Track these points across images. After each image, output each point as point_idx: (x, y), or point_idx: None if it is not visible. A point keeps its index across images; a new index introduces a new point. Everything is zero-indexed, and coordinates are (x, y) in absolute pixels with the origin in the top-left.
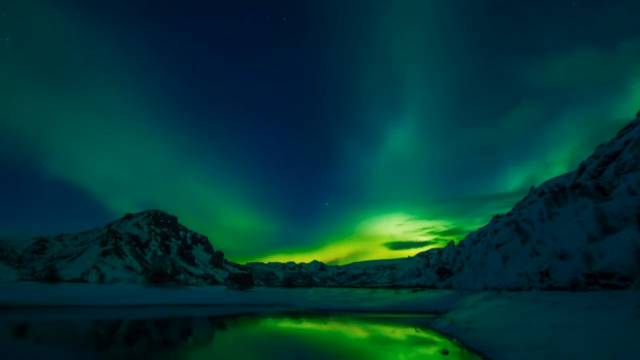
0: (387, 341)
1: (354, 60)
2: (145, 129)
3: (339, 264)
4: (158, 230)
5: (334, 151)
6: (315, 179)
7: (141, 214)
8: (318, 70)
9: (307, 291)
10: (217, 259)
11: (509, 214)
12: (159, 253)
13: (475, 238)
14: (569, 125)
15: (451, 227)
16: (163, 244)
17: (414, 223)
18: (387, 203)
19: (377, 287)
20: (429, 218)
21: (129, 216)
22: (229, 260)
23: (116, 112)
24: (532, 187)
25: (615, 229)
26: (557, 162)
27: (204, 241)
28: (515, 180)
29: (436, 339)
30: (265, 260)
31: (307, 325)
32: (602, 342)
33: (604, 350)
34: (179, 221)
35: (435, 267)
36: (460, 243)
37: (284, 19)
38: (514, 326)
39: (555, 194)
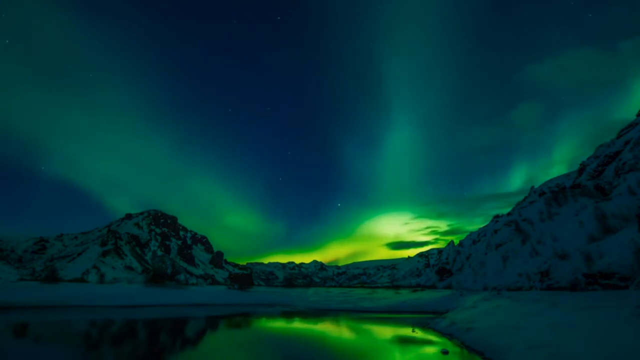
0: (388, 341)
1: (354, 60)
2: (145, 129)
3: (339, 264)
4: (158, 230)
5: (334, 151)
6: (316, 178)
7: (141, 214)
8: (318, 69)
9: (307, 291)
10: (217, 259)
11: (509, 214)
12: (159, 253)
13: (475, 238)
14: (569, 125)
15: (451, 227)
16: (163, 244)
17: (414, 223)
18: (387, 203)
19: (377, 287)
20: (429, 218)
21: (129, 216)
22: (229, 260)
23: (116, 112)
24: (532, 187)
25: (615, 229)
26: (557, 162)
27: (204, 241)
28: (515, 180)
29: (436, 339)
30: (265, 260)
31: (307, 326)
32: (602, 342)
33: (603, 350)
34: (179, 221)
35: (435, 267)
36: (460, 243)
37: (285, 18)
38: (514, 326)
39: (555, 194)
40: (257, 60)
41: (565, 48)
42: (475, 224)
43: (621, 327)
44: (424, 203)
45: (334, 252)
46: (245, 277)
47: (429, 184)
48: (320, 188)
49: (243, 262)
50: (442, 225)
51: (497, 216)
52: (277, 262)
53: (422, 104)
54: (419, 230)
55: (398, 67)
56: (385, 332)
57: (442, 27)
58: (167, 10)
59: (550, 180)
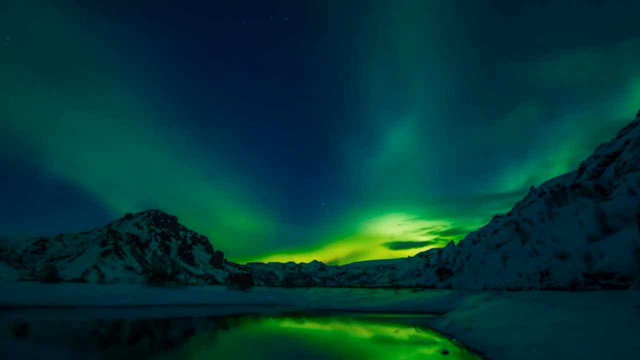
0: (388, 341)
1: (354, 61)
2: (145, 129)
3: (339, 264)
4: (158, 230)
5: (334, 151)
6: (316, 178)
7: (141, 214)
8: (319, 70)
9: (307, 291)
10: (217, 259)
11: (509, 214)
12: (159, 253)
13: (475, 238)
14: (569, 125)
15: (451, 227)
16: (163, 244)
17: (414, 223)
18: (387, 203)
19: (377, 287)
20: (429, 218)
21: (129, 216)
22: (229, 260)
23: (116, 112)
24: (532, 187)
25: (615, 229)
26: (557, 162)
27: (204, 241)
28: (515, 180)
29: (436, 339)
30: (265, 260)
31: (307, 326)
32: (602, 342)
33: (604, 350)
34: (179, 221)
35: (435, 267)
36: (460, 243)
37: (286, 19)
38: (514, 326)
39: (555, 194)
40: (258, 60)
41: (565, 48)
42: (475, 224)
43: (621, 327)
44: (424, 203)
45: (334, 252)
46: (245, 277)
47: (429, 184)
48: (320, 188)
49: (243, 262)
50: (442, 225)
51: (497, 216)
52: (277, 262)
53: (422, 103)
54: (419, 230)
55: (398, 68)
56: (385, 331)
57: (442, 27)
58: (168, 10)
59: (550, 180)
